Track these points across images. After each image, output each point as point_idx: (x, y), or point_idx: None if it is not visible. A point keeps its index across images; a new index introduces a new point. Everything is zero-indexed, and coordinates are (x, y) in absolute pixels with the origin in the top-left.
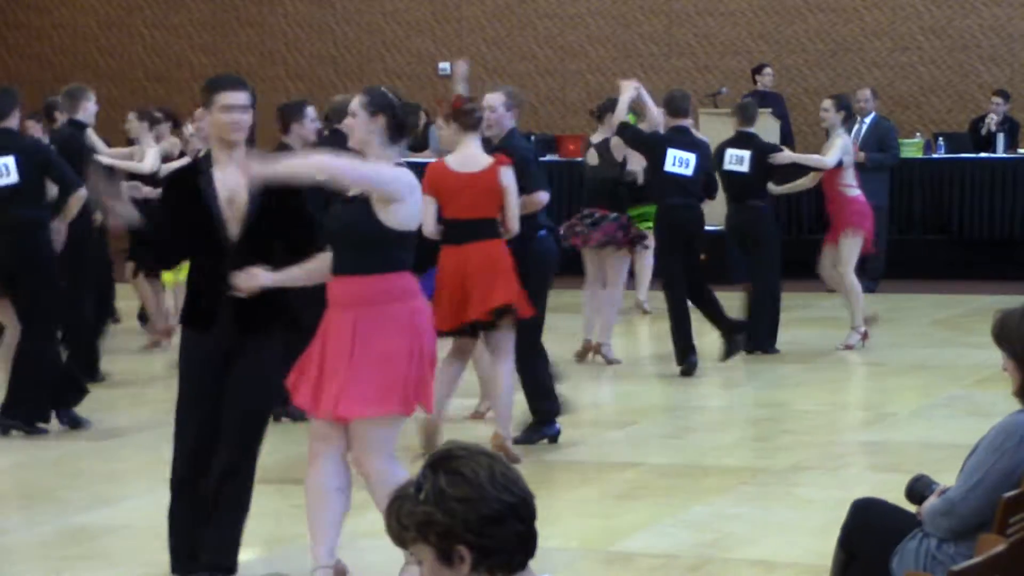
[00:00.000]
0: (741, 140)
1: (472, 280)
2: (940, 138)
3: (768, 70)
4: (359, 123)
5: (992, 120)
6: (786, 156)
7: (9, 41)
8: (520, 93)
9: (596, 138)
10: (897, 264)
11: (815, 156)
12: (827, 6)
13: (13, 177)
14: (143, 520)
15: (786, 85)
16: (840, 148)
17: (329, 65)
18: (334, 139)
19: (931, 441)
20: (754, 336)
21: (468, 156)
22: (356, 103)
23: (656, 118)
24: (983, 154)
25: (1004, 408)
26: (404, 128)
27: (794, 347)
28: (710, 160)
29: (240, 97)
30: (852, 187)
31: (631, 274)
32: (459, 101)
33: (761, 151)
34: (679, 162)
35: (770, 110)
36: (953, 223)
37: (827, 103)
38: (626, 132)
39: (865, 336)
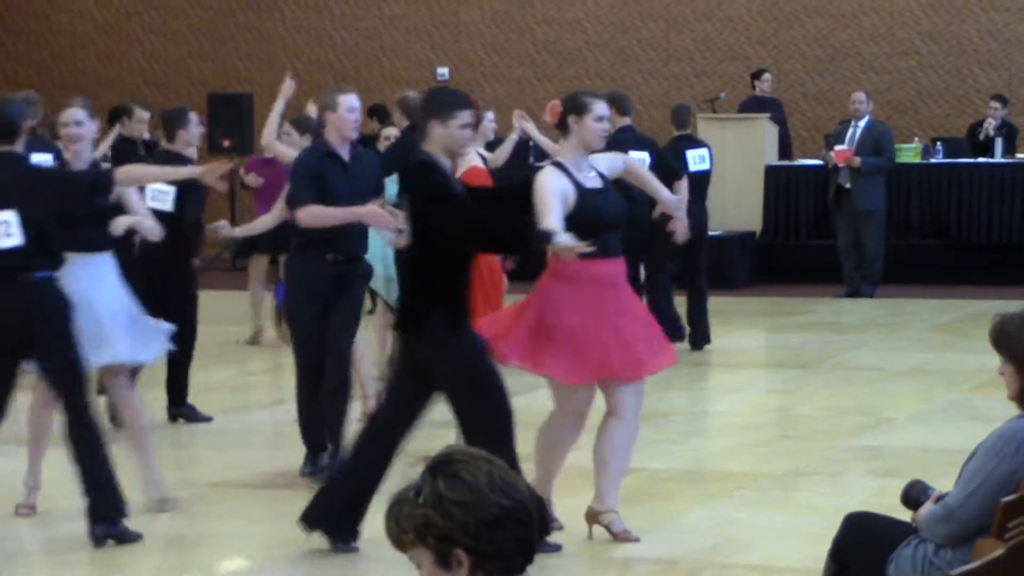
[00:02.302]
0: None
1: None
2: (938, 143)
3: (767, 75)
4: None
5: (990, 125)
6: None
7: (8, 47)
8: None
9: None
10: (895, 269)
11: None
12: (825, 11)
13: None
14: (147, 525)
15: (784, 90)
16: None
17: (327, 71)
18: (408, 137)
19: (930, 446)
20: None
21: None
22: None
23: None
24: (981, 159)
25: (1003, 413)
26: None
27: (792, 352)
28: (665, 154)
29: None
30: None
31: None
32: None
33: None
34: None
35: (768, 115)
36: (951, 228)
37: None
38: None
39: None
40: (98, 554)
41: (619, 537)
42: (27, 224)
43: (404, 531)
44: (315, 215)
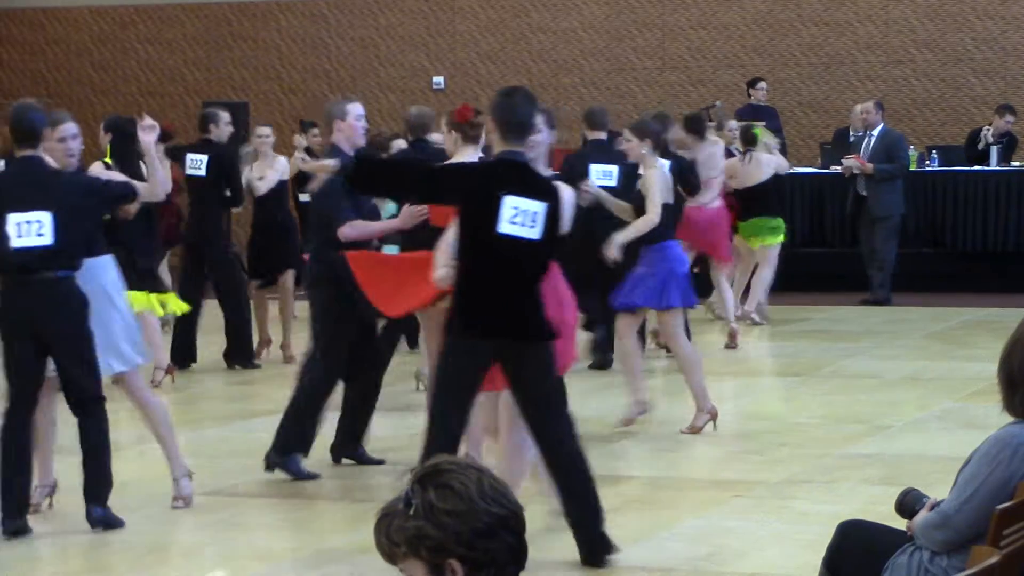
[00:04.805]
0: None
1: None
2: (933, 151)
3: (762, 84)
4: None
5: (988, 132)
6: None
7: (3, 57)
8: None
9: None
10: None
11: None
12: (821, 20)
13: None
14: (140, 535)
15: (780, 98)
16: None
17: (323, 79)
18: (417, 150)
19: (926, 454)
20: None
21: None
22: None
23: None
24: (976, 167)
25: (998, 421)
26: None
27: (788, 360)
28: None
29: None
30: None
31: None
32: (466, 112)
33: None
34: (603, 175)
35: (764, 123)
36: (947, 236)
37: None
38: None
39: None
40: (92, 562)
41: None
42: (59, 225)
43: (396, 544)
44: (359, 229)
